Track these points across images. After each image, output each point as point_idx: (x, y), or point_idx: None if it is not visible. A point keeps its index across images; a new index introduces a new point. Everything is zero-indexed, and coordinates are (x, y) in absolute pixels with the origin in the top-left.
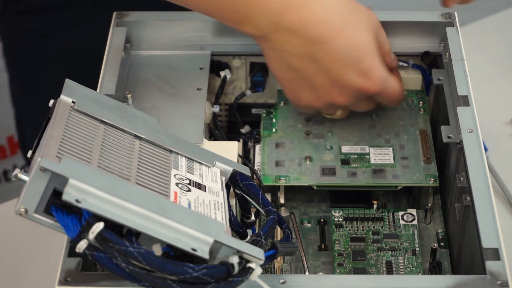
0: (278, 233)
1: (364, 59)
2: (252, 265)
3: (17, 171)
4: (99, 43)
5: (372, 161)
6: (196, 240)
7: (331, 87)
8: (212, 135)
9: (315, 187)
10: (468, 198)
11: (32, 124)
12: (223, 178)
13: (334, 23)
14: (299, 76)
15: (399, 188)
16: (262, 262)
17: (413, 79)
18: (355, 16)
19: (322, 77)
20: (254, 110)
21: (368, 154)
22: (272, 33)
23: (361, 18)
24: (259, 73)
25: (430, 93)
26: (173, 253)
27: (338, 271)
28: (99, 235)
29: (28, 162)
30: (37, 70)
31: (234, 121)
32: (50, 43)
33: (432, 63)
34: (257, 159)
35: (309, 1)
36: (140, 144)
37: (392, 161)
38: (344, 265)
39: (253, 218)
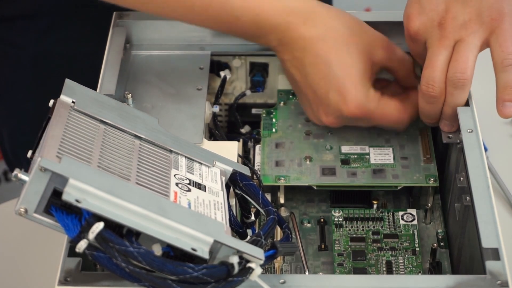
0: (278, 233)
1: (346, 81)
2: (252, 265)
3: (17, 171)
4: (68, 51)
5: (372, 161)
6: (196, 240)
7: (319, 106)
8: (212, 135)
9: (315, 187)
10: (468, 198)
11: (8, 130)
12: (223, 178)
13: (329, 40)
14: (299, 88)
15: (399, 188)
16: (262, 262)
17: None
18: (354, 38)
19: (311, 93)
20: (254, 110)
21: (368, 154)
22: (278, 46)
23: (361, 41)
24: (259, 73)
25: None
26: (173, 253)
27: (338, 271)
28: (99, 235)
29: (10, 167)
30: (8, 77)
31: (234, 121)
32: (20, 51)
33: None
34: (257, 159)
35: (312, 18)
36: (140, 144)
37: (392, 161)
38: (344, 265)
39: (253, 218)
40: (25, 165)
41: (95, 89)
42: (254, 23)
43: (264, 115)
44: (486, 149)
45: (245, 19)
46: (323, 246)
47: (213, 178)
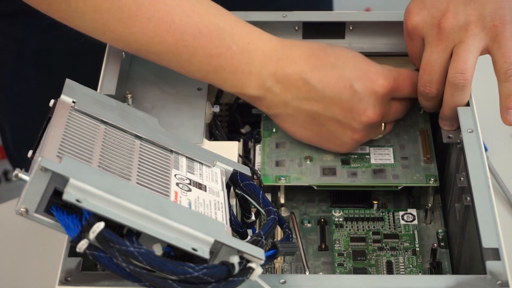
0: (278, 233)
1: (359, 64)
2: (252, 265)
3: (17, 170)
4: (71, 47)
5: (372, 161)
6: (196, 240)
7: (352, 110)
8: (212, 135)
9: (315, 187)
10: (468, 198)
11: (11, 127)
12: (224, 178)
13: (319, 52)
14: (321, 120)
15: (399, 188)
16: (262, 262)
17: None
18: (331, 45)
19: (336, 106)
20: (254, 110)
21: (368, 154)
22: (274, 85)
23: (337, 45)
24: None
25: None
26: (174, 253)
27: (338, 271)
28: (100, 235)
29: (13, 163)
30: (11, 72)
31: (234, 121)
32: (24, 46)
33: None
34: (257, 159)
35: (294, 46)
36: (140, 144)
37: (392, 161)
38: (345, 265)
39: (253, 218)
40: (27, 161)
41: (97, 85)
42: (246, 54)
43: (264, 115)
44: (486, 149)
45: (235, 48)
46: (323, 246)
47: (214, 178)
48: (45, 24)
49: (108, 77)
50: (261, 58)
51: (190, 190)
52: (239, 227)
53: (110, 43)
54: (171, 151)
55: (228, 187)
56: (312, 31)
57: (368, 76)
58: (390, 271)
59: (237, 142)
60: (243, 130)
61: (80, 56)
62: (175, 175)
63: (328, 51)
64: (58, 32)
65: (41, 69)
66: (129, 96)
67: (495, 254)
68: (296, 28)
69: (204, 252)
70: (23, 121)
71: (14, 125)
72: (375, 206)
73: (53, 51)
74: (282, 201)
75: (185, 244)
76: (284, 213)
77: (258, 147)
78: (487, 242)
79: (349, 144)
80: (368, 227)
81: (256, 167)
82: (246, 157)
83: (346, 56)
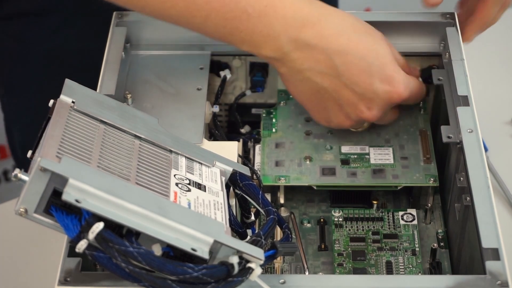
0: (278, 233)
1: (387, 66)
2: (252, 265)
3: (17, 171)
4: (78, 48)
5: (372, 161)
6: (196, 240)
7: (359, 103)
8: (212, 135)
9: (315, 187)
10: (468, 198)
11: (18, 128)
12: (223, 178)
13: (352, 34)
14: (324, 96)
15: (399, 188)
16: (262, 262)
17: None
18: (369, 29)
19: (348, 92)
20: (254, 110)
21: (368, 154)
22: (292, 51)
23: (374, 31)
24: (259, 73)
25: (430, 93)
26: (173, 253)
27: (338, 271)
28: (99, 235)
29: (19, 165)
30: (18, 74)
31: (234, 121)
32: (30, 48)
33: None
34: (257, 159)
35: (325, 16)
36: (140, 144)
37: (392, 161)
38: (344, 265)
39: (253, 218)
40: None
41: None
42: (264, 17)
43: (264, 115)
44: (486, 149)
45: (252, 11)
46: (323, 246)
47: (213, 178)
48: (52, 26)
49: (107, 77)
50: (281, 22)
51: (189, 190)
52: (238, 227)
53: (127, 7)
54: (171, 151)
55: (227, 187)
56: None
57: (391, 81)
58: (389, 271)
59: (236, 142)
60: (242, 130)
61: (87, 58)
62: (174, 175)
63: (362, 38)
64: (65, 34)
65: (49, 71)
66: (129, 96)
67: (495, 254)
68: None
69: (203, 252)
70: (31, 122)
71: (22, 126)
72: (375, 206)
73: (61, 52)
74: (282, 201)
75: (185, 244)
76: (283, 213)
77: (257, 147)
78: (486, 242)
79: (334, 124)
80: (368, 227)
81: (256, 167)
82: (246, 157)
83: (377, 52)
